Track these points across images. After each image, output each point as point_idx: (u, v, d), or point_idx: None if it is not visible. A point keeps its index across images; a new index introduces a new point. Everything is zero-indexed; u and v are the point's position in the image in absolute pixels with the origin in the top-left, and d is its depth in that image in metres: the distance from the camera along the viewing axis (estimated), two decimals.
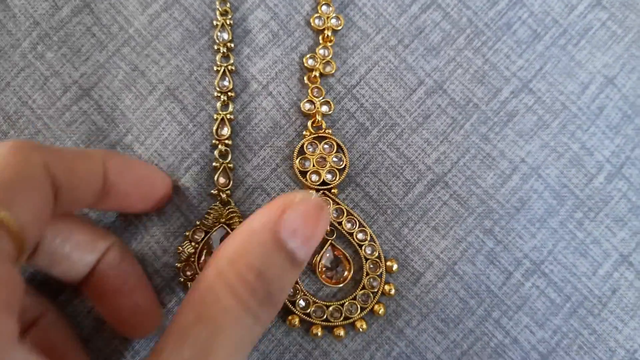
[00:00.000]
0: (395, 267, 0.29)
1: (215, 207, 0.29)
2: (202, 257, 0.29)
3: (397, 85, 0.31)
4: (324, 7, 0.31)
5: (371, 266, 0.29)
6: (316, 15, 0.31)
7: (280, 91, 0.31)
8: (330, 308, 0.29)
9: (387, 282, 0.29)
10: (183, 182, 0.30)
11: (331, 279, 0.29)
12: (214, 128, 0.30)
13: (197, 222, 0.29)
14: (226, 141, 0.30)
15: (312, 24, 0.31)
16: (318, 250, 0.29)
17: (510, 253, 0.30)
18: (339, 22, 0.31)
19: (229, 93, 0.30)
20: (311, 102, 0.31)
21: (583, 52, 0.32)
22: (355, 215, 0.29)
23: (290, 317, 0.28)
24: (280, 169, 0.30)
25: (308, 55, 0.31)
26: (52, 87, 0.30)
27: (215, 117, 0.30)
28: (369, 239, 0.29)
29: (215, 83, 0.30)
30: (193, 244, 0.29)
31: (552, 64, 0.32)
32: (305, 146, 0.30)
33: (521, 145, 0.31)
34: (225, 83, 0.30)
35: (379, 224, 0.30)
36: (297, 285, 0.29)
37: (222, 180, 0.29)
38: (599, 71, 0.32)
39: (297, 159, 0.30)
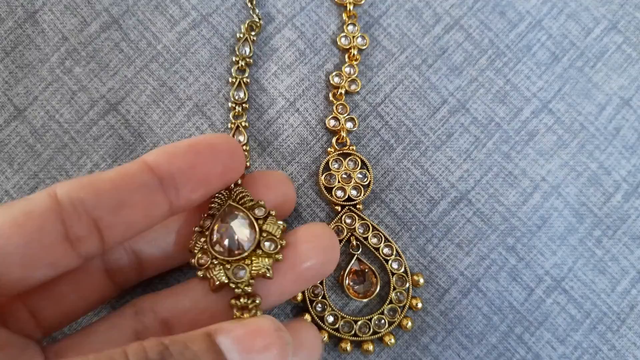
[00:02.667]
0: (421, 281, 0.29)
1: (220, 195, 0.26)
2: (214, 232, 0.25)
3: (421, 103, 0.32)
4: (350, 27, 0.32)
5: (398, 281, 0.29)
6: (342, 34, 0.32)
7: (307, 108, 0.31)
8: (359, 323, 0.29)
9: (414, 297, 0.29)
10: None
11: (358, 293, 0.29)
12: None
13: (204, 215, 0.26)
14: (243, 147, 0.29)
15: (339, 43, 0.32)
16: (344, 265, 0.30)
17: (532, 270, 0.30)
18: (365, 41, 0.32)
19: (244, 105, 0.30)
20: (336, 118, 0.31)
21: (600, 74, 0.33)
22: (381, 230, 0.30)
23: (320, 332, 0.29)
24: (307, 185, 0.31)
25: (334, 73, 0.31)
26: (80, 102, 0.30)
27: (230, 127, 0.30)
28: (394, 253, 0.30)
29: (231, 94, 0.30)
30: (203, 232, 0.25)
31: (570, 86, 0.33)
32: (330, 162, 0.31)
33: (542, 164, 0.31)
34: (241, 94, 0.30)
35: (404, 240, 0.30)
36: (325, 301, 0.29)
37: None
38: (615, 93, 0.33)
39: (322, 175, 0.30)
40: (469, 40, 0.33)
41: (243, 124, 0.30)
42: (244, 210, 0.25)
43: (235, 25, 0.32)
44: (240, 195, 0.26)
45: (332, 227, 0.30)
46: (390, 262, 0.30)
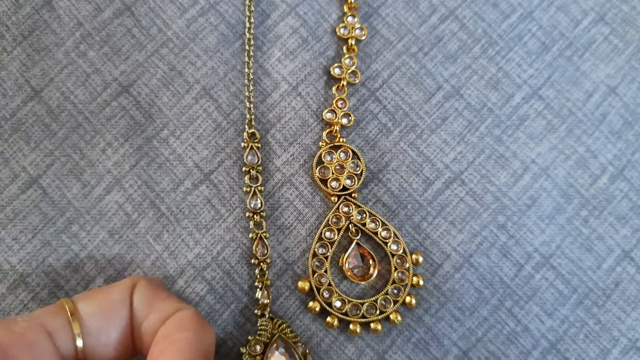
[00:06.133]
0: (420, 259, 0.31)
1: (264, 323, 0.29)
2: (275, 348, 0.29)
3: (417, 89, 0.33)
4: (350, 18, 0.34)
5: (398, 261, 0.31)
6: (342, 24, 0.34)
7: (309, 92, 0.33)
8: (365, 305, 0.30)
9: (415, 274, 0.31)
10: (215, 175, 0.31)
11: (357, 276, 0.31)
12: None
13: (250, 338, 0.28)
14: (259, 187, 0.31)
15: (338, 33, 0.34)
16: (344, 250, 0.31)
17: (521, 247, 0.32)
18: (363, 32, 0.34)
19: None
20: (333, 112, 0.33)
21: (587, 63, 0.35)
22: (377, 215, 0.31)
23: (329, 319, 0.30)
24: (308, 165, 0.32)
25: (335, 65, 0.33)
26: (94, 84, 0.32)
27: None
28: (392, 236, 0.31)
29: (247, 202, 0.31)
30: (256, 357, 0.28)
31: (559, 73, 0.34)
32: (322, 155, 0.32)
33: (532, 147, 0.33)
34: (258, 204, 0.31)
35: (400, 218, 0.32)
36: (331, 287, 0.30)
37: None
38: (602, 81, 0.34)
39: (316, 168, 0.32)
40: (463, 30, 0.34)
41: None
42: (293, 345, 0.29)
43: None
44: (284, 325, 0.29)
45: (331, 216, 0.31)
46: (389, 244, 0.31)
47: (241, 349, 0.28)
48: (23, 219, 0.30)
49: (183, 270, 0.30)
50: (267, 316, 0.29)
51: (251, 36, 0.33)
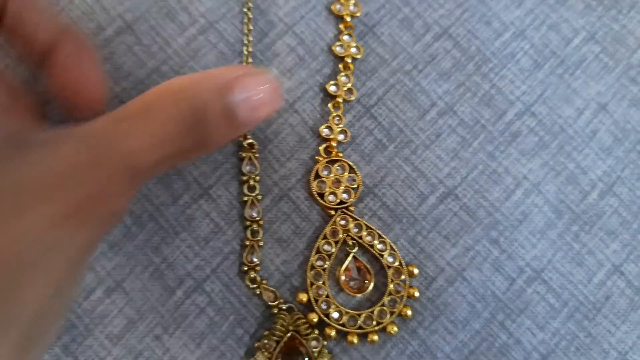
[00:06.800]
0: (416, 271, 0.32)
1: (282, 316, 0.30)
2: None
3: (411, 106, 0.34)
4: (346, 37, 0.35)
5: (394, 273, 0.32)
6: (338, 43, 0.34)
7: (305, 109, 0.34)
8: (362, 316, 0.31)
9: (411, 286, 0.32)
10: (215, 190, 0.32)
11: (353, 288, 0.32)
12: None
13: (266, 332, 0.30)
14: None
15: (334, 51, 0.34)
16: (341, 263, 0.32)
17: (513, 261, 0.33)
18: (359, 51, 0.34)
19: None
20: (330, 128, 0.33)
21: (578, 81, 0.35)
22: (374, 228, 0.32)
23: (327, 330, 0.30)
24: (305, 179, 0.33)
25: (331, 82, 0.34)
26: None
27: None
28: (389, 248, 0.32)
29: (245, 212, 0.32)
30: (266, 353, 0.30)
31: (551, 91, 0.35)
32: (320, 170, 0.33)
33: (524, 163, 0.34)
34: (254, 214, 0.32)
35: (395, 231, 0.33)
36: (329, 299, 0.31)
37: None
38: (593, 98, 0.35)
39: (314, 182, 0.32)
40: (457, 48, 0.35)
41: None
42: (305, 346, 0.30)
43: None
44: (300, 321, 0.31)
45: (328, 229, 0.32)
46: (385, 256, 0.32)
47: (256, 344, 0.30)
48: None
49: (182, 282, 0.31)
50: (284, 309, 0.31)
51: (249, 54, 0.34)
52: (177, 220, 0.32)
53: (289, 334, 0.30)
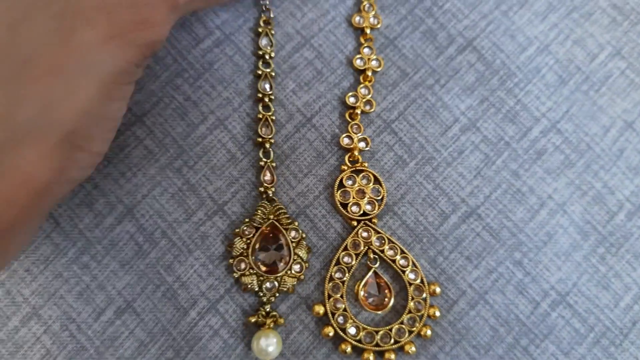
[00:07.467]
0: (438, 290, 0.30)
1: (264, 204, 0.31)
2: (256, 250, 0.30)
3: (433, 121, 0.33)
4: (366, 50, 0.34)
5: (415, 290, 0.31)
6: (358, 56, 0.33)
7: (323, 124, 0.33)
8: (380, 333, 0.30)
9: (431, 305, 0.30)
10: (229, 206, 0.31)
11: (372, 304, 0.30)
12: (258, 127, 0.32)
13: (246, 220, 0.30)
14: (270, 140, 0.32)
15: (354, 64, 0.33)
16: (361, 278, 0.31)
17: (537, 284, 0.31)
18: (379, 63, 0.33)
19: (270, 96, 0.32)
20: (350, 137, 0.32)
21: (604, 97, 0.34)
22: (396, 242, 0.31)
23: (342, 345, 0.30)
24: (323, 197, 0.32)
25: (350, 94, 0.33)
26: None
27: (259, 117, 0.32)
28: (410, 264, 0.31)
29: (258, 86, 0.32)
30: (244, 239, 0.30)
31: (577, 107, 0.34)
32: (344, 179, 0.32)
33: (549, 182, 0.33)
34: (267, 86, 0.32)
35: (415, 251, 0.31)
36: (346, 313, 0.30)
37: (267, 177, 0.31)
38: (619, 116, 0.34)
39: (337, 191, 0.31)
40: (481, 61, 0.34)
41: (271, 117, 0.32)
42: (284, 234, 0.30)
43: (256, 44, 0.33)
44: (280, 211, 0.31)
45: (350, 241, 0.31)
46: (407, 272, 0.31)
47: (235, 230, 0.30)
48: (35, 250, 0.30)
49: (195, 302, 0.30)
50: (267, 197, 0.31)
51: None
52: (190, 237, 0.31)
53: (269, 222, 0.30)
